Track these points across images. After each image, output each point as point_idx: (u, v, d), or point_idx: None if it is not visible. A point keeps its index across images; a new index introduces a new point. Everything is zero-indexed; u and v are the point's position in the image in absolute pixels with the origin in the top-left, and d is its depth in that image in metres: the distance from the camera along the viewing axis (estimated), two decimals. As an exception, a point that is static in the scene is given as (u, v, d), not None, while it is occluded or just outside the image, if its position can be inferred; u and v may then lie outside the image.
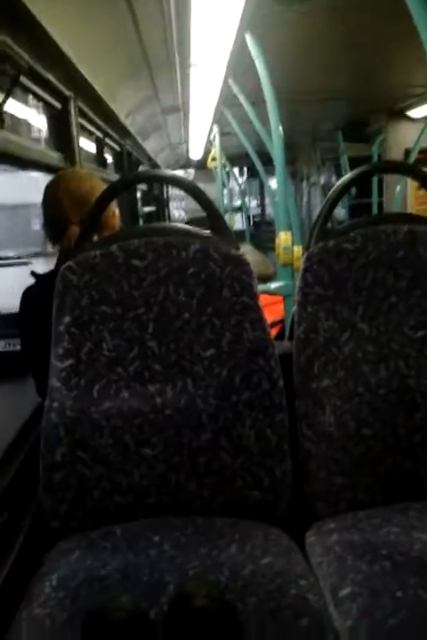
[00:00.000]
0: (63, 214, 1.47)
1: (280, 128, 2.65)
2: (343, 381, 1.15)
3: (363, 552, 0.97)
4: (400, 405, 1.14)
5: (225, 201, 7.23)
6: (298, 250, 2.68)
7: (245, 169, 9.24)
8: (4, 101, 1.51)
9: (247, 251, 2.93)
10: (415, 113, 4.72)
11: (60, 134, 2.16)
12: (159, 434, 1.11)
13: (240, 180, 8.83)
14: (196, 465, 1.12)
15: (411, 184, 4.58)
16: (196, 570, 0.94)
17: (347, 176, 1.30)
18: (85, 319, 1.14)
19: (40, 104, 2.14)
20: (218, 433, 1.12)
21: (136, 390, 1.13)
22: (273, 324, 2.40)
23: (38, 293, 1.44)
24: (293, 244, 2.72)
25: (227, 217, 7.18)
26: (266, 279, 2.86)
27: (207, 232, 1.22)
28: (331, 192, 1.30)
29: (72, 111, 2.17)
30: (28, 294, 1.48)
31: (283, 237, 2.63)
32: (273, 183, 3.27)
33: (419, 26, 1.43)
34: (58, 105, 2.12)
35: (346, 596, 0.89)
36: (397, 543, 0.98)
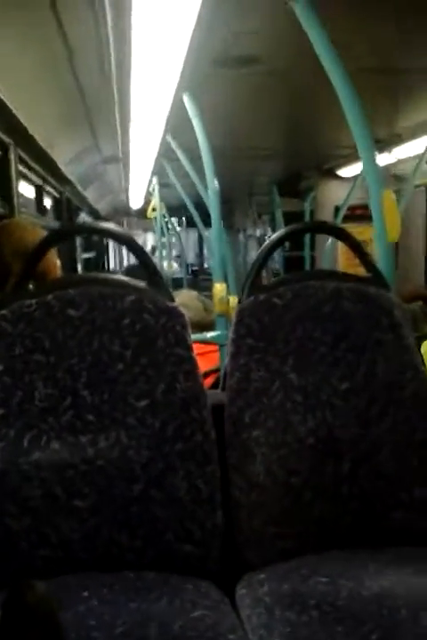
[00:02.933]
0: (5, 265, 1.46)
1: (216, 183, 2.74)
2: (273, 431, 1.19)
3: (292, 602, 0.99)
4: (327, 455, 1.19)
5: (164, 251, 7.31)
6: (234, 300, 2.74)
7: (184, 219, 9.42)
8: None
9: (190, 296, 2.96)
10: (344, 172, 5.00)
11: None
12: (90, 486, 1.10)
13: (179, 230, 8.97)
14: (127, 517, 1.11)
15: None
16: (124, 626, 0.93)
17: (276, 234, 1.37)
18: (18, 368, 1.13)
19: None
20: (150, 484, 1.12)
21: (68, 441, 1.11)
22: (209, 373, 2.42)
23: None
24: (229, 295, 2.79)
25: (165, 265, 7.26)
26: (207, 326, 2.89)
27: (142, 284, 1.25)
28: (262, 248, 1.36)
29: (12, 159, 2.18)
30: None
31: (218, 288, 2.69)
32: (210, 234, 3.36)
33: (340, 94, 1.55)
34: (-4, 153, 2.12)
35: None
36: (325, 593, 1.00)
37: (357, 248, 1.34)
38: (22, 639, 0.62)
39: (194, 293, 3.22)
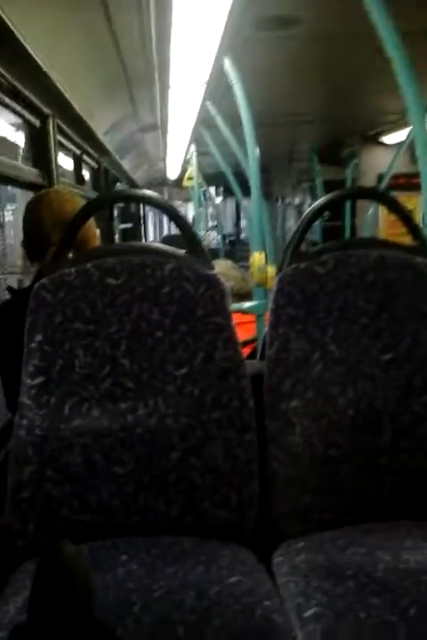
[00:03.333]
0: (44, 235, 1.48)
1: (257, 150, 2.69)
2: (312, 402, 1.17)
3: (329, 573, 0.99)
4: (367, 427, 1.17)
5: (201, 220, 7.28)
6: (272, 270, 2.71)
7: (221, 188, 9.33)
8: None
9: (227, 265, 2.94)
10: (388, 139, 4.84)
11: (39, 151, 2.17)
12: (129, 452, 1.12)
13: (216, 200, 8.90)
14: (165, 484, 1.12)
15: (383, 208, 4.68)
16: (162, 590, 0.95)
17: (320, 201, 1.34)
18: (58, 337, 1.14)
19: (18, 121, 2.15)
20: (188, 452, 1.13)
21: (107, 408, 1.13)
22: (246, 343, 2.42)
23: (13, 309, 1.44)
24: (266, 264, 2.76)
25: (202, 235, 7.23)
26: (245, 296, 2.88)
27: (182, 252, 1.24)
28: (304, 216, 1.33)
29: (51, 129, 2.18)
30: (2, 310, 1.47)
31: (257, 258, 2.66)
32: (248, 203, 3.31)
33: (392, 58, 1.48)
34: (37, 122, 2.12)
35: (311, 616, 0.90)
36: (362, 564, 1.00)
37: (405, 216, 1.29)
38: (55, 597, 0.64)
39: (230, 263, 3.20)
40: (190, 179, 5.67)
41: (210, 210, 8.86)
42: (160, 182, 8.56)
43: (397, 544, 1.06)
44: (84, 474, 1.11)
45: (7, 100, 1.78)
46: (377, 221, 4.63)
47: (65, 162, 3.37)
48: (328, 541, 1.09)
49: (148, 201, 1.35)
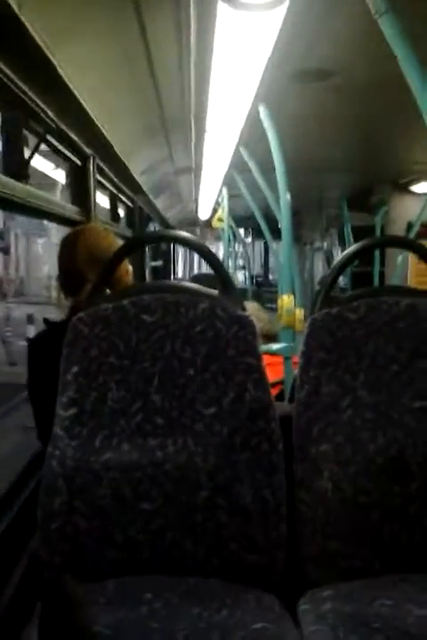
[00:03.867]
0: (79, 271, 1.53)
1: (288, 195, 2.74)
2: (342, 447, 1.17)
3: (356, 624, 0.97)
4: (397, 474, 1.16)
5: (230, 260, 7.35)
6: (300, 312, 2.72)
7: (250, 230, 9.44)
8: (31, 157, 1.59)
9: (254, 308, 2.96)
10: (418, 188, 4.86)
11: (78, 189, 2.26)
12: (157, 488, 1.13)
13: (246, 241, 9.01)
14: (192, 523, 1.12)
15: (412, 257, 4.67)
16: (185, 632, 0.94)
17: (352, 248, 1.36)
18: (93, 369, 1.17)
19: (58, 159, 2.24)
20: (216, 492, 1.13)
21: (137, 443, 1.14)
22: (273, 385, 2.42)
23: (48, 341, 1.48)
24: (295, 307, 2.77)
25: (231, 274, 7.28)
26: (271, 338, 2.89)
27: (215, 292, 1.27)
28: (336, 262, 1.35)
29: (91, 168, 2.27)
30: (37, 340, 1.51)
31: (286, 300, 2.67)
32: (277, 246, 3.34)
33: (422, 110, 1.51)
34: (78, 162, 2.21)
35: None
36: (390, 616, 0.98)
37: None
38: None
39: (257, 305, 3.21)
40: (221, 220, 5.76)
41: (239, 250, 8.94)
42: (191, 222, 8.71)
43: None
44: (112, 508, 1.11)
45: (54, 141, 1.86)
46: (406, 269, 4.62)
47: (101, 199, 3.48)
48: (356, 591, 1.07)
49: (184, 242, 1.39)
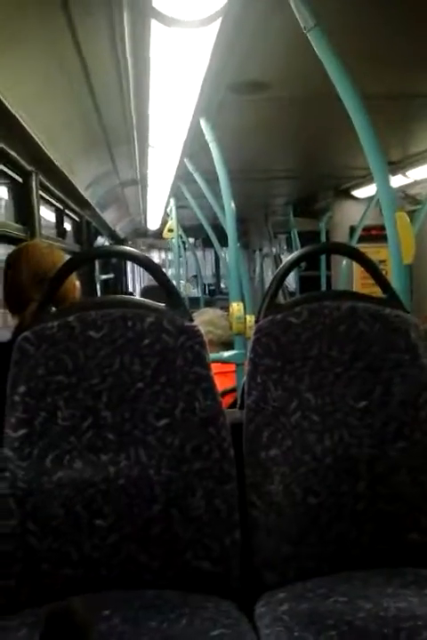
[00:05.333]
0: (23, 289, 1.50)
1: (232, 204, 2.77)
2: (291, 450, 1.20)
3: (310, 622, 0.99)
4: (344, 474, 1.19)
5: (181, 270, 7.37)
6: (250, 319, 2.75)
7: (201, 240, 9.49)
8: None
9: (216, 314, 2.94)
10: (359, 193, 5.02)
11: (21, 206, 2.22)
12: (111, 504, 1.12)
13: (196, 252, 9.05)
14: (147, 536, 1.12)
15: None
16: None
17: (292, 255, 1.39)
18: (40, 388, 1.16)
19: None
20: (169, 503, 1.13)
21: (89, 460, 1.14)
22: (227, 392, 2.43)
23: None
24: (245, 314, 2.80)
25: (182, 285, 7.30)
26: (230, 345, 2.90)
27: (161, 305, 1.28)
28: (279, 269, 1.38)
29: (33, 185, 2.24)
30: None
31: (235, 308, 2.70)
32: (226, 254, 3.37)
33: (354, 120, 1.57)
34: (19, 179, 2.18)
35: None
36: (342, 612, 1.01)
37: (372, 268, 1.35)
38: None
39: (219, 312, 3.22)
40: (171, 230, 5.77)
41: (190, 259, 8.99)
42: (141, 234, 8.68)
43: (377, 591, 1.06)
44: (66, 527, 1.10)
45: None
46: (351, 273, 4.75)
47: (47, 215, 3.43)
48: (310, 590, 1.09)
49: (128, 257, 1.40)
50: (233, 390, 2.56)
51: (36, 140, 2.01)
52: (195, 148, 2.90)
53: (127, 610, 1.03)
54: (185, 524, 1.13)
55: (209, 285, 10.79)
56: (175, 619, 1.01)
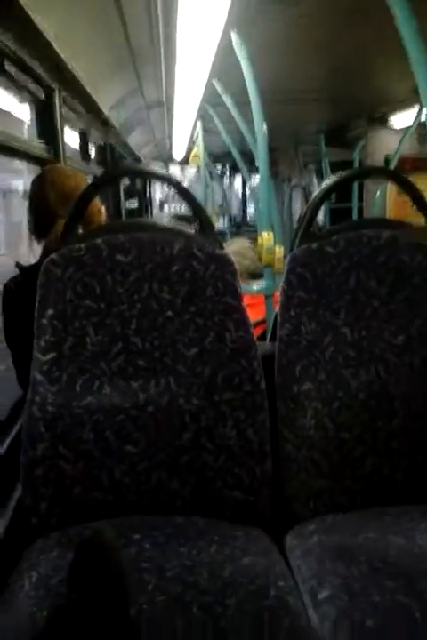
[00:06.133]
0: (50, 210, 1.48)
1: (264, 128, 2.65)
2: (324, 385, 1.16)
3: (341, 555, 0.98)
4: (379, 410, 1.16)
5: (208, 199, 7.23)
6: (279, 250, 2.68)
7: (228, 168, 9.25)
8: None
9: (244, 245, 2.86)
10: (395, 121, 4.78)
11: (45, 125, 2.15)
12: (141, 431, 1.11)
13: (223, 180, 8.85)
14: (177, 464, 1.12)
15: (391, 190, 4.63)
16: (175, 570, 0.94)
17: (330, 180, 1.31)
18: (69, 313, 1.13)
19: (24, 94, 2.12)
20: (200, 432, 1.12)
21: (119, 386, 1.12)
22: (256, 324, 2.40)
23: (22, 285, 1.43)
24: (274, 245, 2.73)
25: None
26: (259, 276, 2.84)
27: (191, 230, 1.22)
28: (314, 196, 1.31)
29: (56, 103, 2.15)
30: (10, 285, 1.46)
31: (265, 237, 2.62)
32: (255, 182, 3.25)
33: (403, 35, 1.44)
34: (42, 95, 2.10)
35: (325, 598, 0.90)
36: (374, 547, 0.99)
37: (417, 196, 1.27)
38: (94, 591, 0.64)
39: (247, 242, 3.13)
40: (196, 156, 5.61)
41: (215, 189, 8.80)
42: (166, 160, 8.49)
43: (410, 527, 1.05)
44: (97, 452, 1.10)
45: (13, 72, 1.75)
46: (385, 203, 4.58)
47: (71, 137, 3.33)
48: (341, 524, 1.08)
49: (157, 177, 1.33)
50: (262, 322, 2.52)
51: (60, 54, 1.90)
52: (224, 67, 2.74)
53: (157, 535, 1.03)
54: (216, 453, 1.12)
55: (235, 217, 10.59)
56: (205, 545, 1.01)
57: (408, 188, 1.29)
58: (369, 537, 1.02)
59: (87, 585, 0.65)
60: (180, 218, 6.46)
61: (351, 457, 1.15)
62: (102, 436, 1.10)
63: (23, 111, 2.59)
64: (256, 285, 2.63)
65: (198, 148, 5.41)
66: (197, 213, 1.23)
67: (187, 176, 9.61)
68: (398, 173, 1.38)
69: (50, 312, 1.13)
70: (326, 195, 1.29)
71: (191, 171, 9.28)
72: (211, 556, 0.98)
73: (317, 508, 1.14)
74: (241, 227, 9.49)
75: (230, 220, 8.41)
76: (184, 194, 1.25)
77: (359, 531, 1.04)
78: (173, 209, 9.72)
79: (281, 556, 1.04)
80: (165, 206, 9.45)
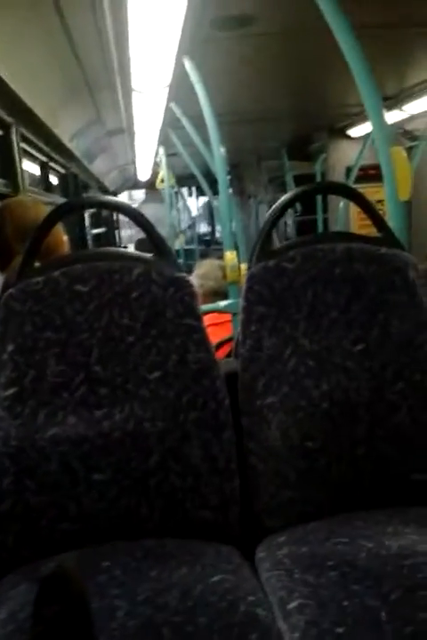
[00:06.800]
0: (7, 244, 1.48)
1: (222, 149, 2.69)
2: (287, 396, 1.18)
3: (311, 564, 0.99)
4: (343, 418, 1.18)
5: (174, 222, 7.26)
6: (245, 267, 2.71)
7: (194, 189, 9.34)
8: None
9: (212, 265, 2.87)
10: (354, 132, 4.89)
11: (3, 161, 2.15)
12: (108, 458, 1.11)
13: (189, 200, 8.90)
14: (146, 488, 1.12)
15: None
16: (146, 594, 0.94)
17: (283, 198, 1.34)
18: (29, 346, 1.13)
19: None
20: (166, 455, 1.12)
21: (83, 415, 1.12)
22: (224, 342, 2.41)
23: None
24: (240, 262, 2.75)
25: (178, 235, 7.20)
26: (225, 295, 2.86)
27: (149, 256, 1.23)
28: (269, 213, 1.33)
29: (14, 138, 2.16)
30: None
31: (229, 257, 2.65)
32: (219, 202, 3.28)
33: (346, 53, 1.48)
34: (-1, 131, 2.10)
35: (294, 608, 0.91)
36: (343, 553, 1.00)
37: (367, 207, 1.30)
38: (57, 623, 0.64)
39: (216, 262, 3.16)
40: (163, 181, 5.65)
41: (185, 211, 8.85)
42: (131, 186, 8.52)
43: (378, 531, 1.06)
44: (63, 482, 1.09)
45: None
46: (348, 214, 4.67)
47: (32, 169, 3.33)
48: (310, 533, 1.09)
49: (112, 207, 1.34)
50: (230, 339, 2.54)
51: (15, 89, 1.92)
52: (181, 91, 2.78)
53: (128, 560, 1.03)
54: (183, 475, 1.12)
55: (204, 236, 10.67)
56: (176, 566, 1.01)
57: (361, 202, 1.32)
58: (339, 543, 1.04)
59: (51, 617, 0.65)
60: (141, 242, 6.48)
61: (317, 466, 1.16)
62: (69, 467, 1.10)
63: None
64: (222, 304, 2.65)
65: (163, 173, 5.45)
66: (152, 239, 1.24)
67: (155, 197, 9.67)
68: (351, 189, 1.41)
69: (10, 348, 1.13)
70: (279, 214, 1.31)
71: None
72: (181, 576, 0.99)
73: (286, 520, 1.15)
74: (210, 245, 9.56)
75: (198, 238, 8.47)
76: (137, 220, 1.26)
77: (329, 538, 1.06)
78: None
79: (252, 570, 1.05)
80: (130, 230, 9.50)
